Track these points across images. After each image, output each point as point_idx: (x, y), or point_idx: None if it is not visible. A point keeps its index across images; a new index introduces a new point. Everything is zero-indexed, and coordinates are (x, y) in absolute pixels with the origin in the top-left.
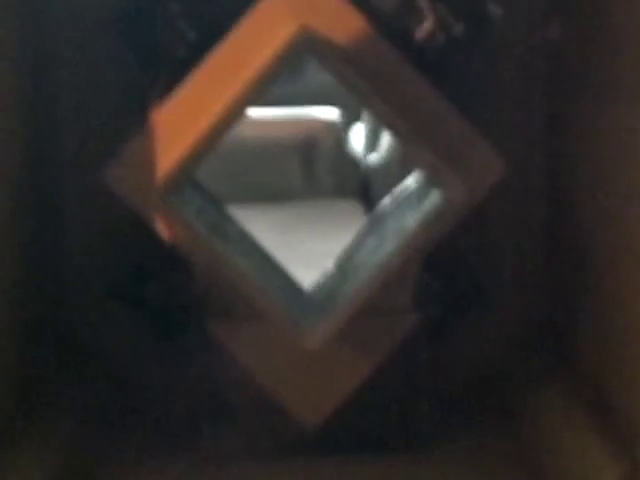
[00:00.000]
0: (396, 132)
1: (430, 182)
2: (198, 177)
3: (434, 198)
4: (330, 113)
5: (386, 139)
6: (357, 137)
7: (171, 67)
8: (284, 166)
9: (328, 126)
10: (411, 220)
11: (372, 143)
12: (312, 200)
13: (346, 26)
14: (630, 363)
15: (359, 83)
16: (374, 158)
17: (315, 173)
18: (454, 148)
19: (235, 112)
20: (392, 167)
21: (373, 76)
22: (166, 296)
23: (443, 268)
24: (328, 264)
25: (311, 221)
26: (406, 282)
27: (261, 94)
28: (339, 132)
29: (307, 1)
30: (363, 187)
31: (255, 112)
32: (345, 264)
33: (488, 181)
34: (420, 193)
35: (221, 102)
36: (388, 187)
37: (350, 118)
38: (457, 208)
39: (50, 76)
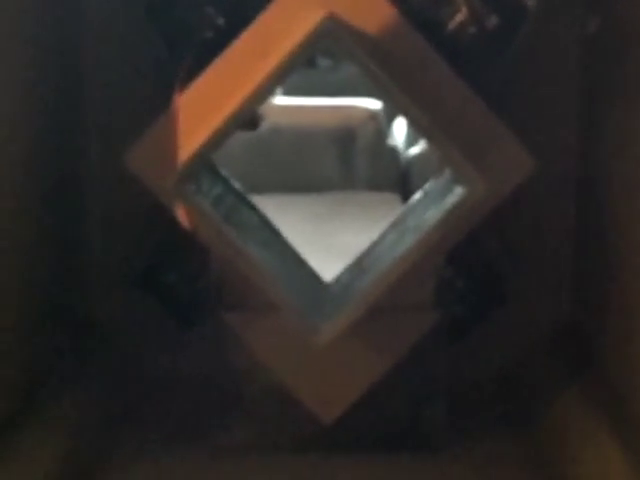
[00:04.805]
0: (418, 126)
1: (453, 178)
2: (231, 164)
3: (456, 194)
4: (373, 104)
5: None
6: (399, 129)
7: (198, 51)
8: (322, 155)
9: (369, 116)
10: (431, 216)
11: (413, 136)
12: (349, 191)
13: (376, 15)
14: None
15: (382, 75)
16: (415, 151)
17: (353, 164)
18: (480, 144)
19: (253, 101)
20: (432, 160)
21: (399, 67)
22: (184, 284)
23: (466, 267)
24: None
25: (347, 213)
26: (426, 279)
27: (282, 83)
28: (380, 123)
29: None
30: (402, 180)
31: (295, 100)
32: (364, 258)
33: (515, 179)
34: (444, 189)
35: (241, 90)
36: (427, 180)
37: (393, 110)
38: (478, 205)
39: (77, 59)
